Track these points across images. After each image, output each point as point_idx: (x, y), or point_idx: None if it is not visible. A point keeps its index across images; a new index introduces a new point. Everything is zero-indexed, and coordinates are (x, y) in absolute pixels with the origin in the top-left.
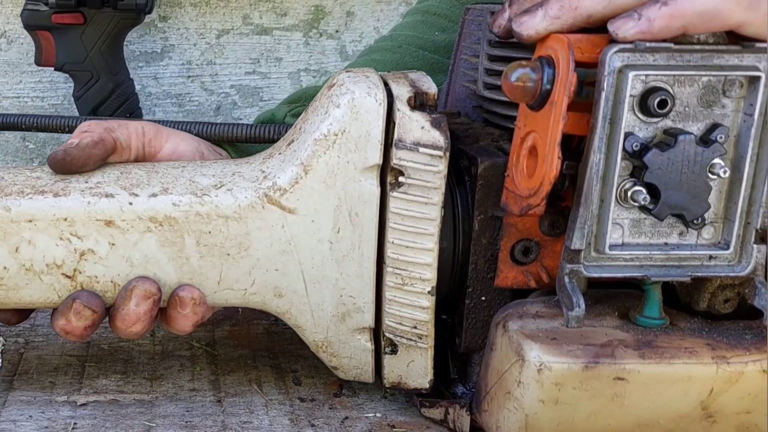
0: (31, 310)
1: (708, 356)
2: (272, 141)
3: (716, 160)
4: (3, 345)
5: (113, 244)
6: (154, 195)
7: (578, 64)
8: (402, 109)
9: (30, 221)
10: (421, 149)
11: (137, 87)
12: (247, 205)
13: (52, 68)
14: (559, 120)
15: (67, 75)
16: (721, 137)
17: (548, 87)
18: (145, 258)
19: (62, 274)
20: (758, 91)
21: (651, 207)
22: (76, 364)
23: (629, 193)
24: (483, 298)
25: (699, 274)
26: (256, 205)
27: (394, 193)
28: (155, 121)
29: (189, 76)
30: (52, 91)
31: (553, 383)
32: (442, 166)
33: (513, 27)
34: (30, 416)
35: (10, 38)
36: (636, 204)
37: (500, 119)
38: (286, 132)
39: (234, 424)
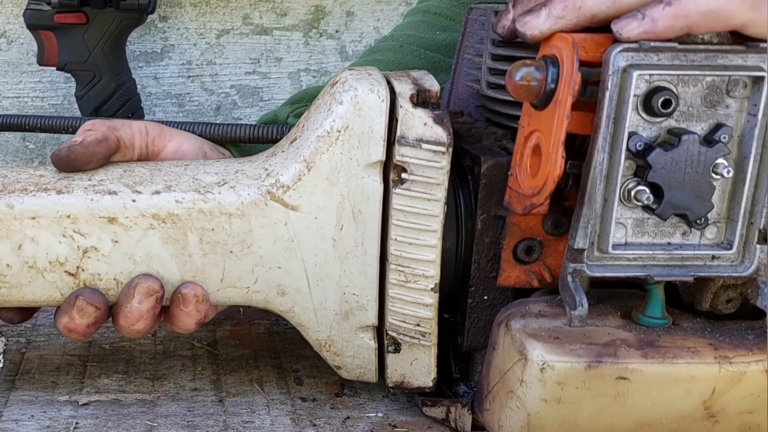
0: (34, 310)
1: (710, 356)
2: (275, 141)
3: (720, 160)
4: (5, 344)
5: (116, 242)
6: (157, 192)
7: (582, 64)
8: (404, 106)
9: (33, 218)
10: (424, 145)
11: (137, 87)
12: (250, 202)
13: (55, 68)
14: (563, 119)
15: (67, 75)
16: (724, 137)
17: (552, 86)
18: (148, 255)
19: (65, 271)
20: (762, 91)
21: (654, 207)
22: (77, 363)
23: (632, 193)
24: (485, 297)
25: (702, 274)
26: (259, 202)
27: (397, 190)
28: (158, 122)
29: (189, 76)
30: (52, 91)
31: (555, 382)
32: (445, 162)
33: (517, 27)
34: (32, 416)
35: (10, 38)
36: (639, 203)
37: (504, 118)
38: (288, 132)
39: (235, 423)
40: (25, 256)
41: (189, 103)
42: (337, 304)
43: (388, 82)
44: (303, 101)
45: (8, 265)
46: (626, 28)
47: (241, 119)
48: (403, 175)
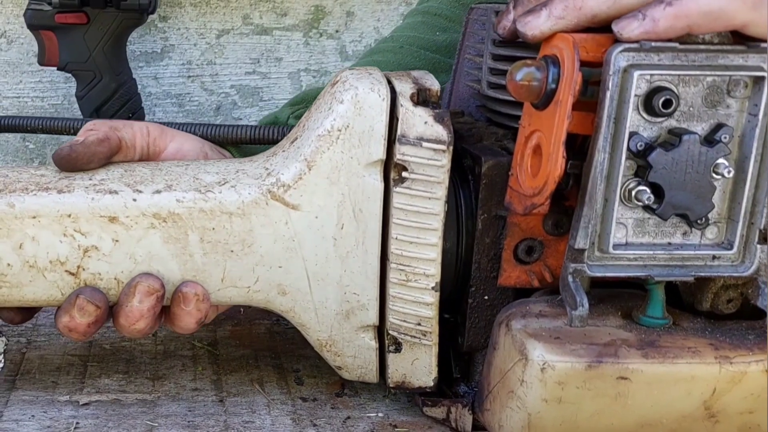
0: (34, 311)
1: (711, 356)
2: (275, 142)
3: (720, 160)
4: (5, 344)
5: (117, 241)
6: (158, 192)
7: (583, 64)
8: (405, 105)
9: (34, 217)
10: (425, 144)
11: (137, 87)
12: (251, 201)
13: (55, 68)
14: (564, 119)
15: (67, 75)
16: (725, 137)
17: (553, 86)
18: (149, 255)
19: (66, 271)
20: (763, 91)
21: (655, 207)
22: (78, 363)
23: (633, 193)
24: (486, 297)
25: (702, 274)
26: (260, 201)
27: (398, 189)
28: (160, 123)
29: (189, 76)
30: (52, 91)
31: (556, 382)
32: (446, 161)
33: (517, 27)
34: (32, 416)
35: (10, 38)
36: (640, 204)
37: (504, 118)
38: (289, 132)
39: (236, 423)
40: (26, 256)
41: (189, 103)
42: (338, 303)
43: (389, 82)
44: (303, 103)
45: (9, 265)
46: (627, 29)
47: (241, 119)
48: (404, 174)
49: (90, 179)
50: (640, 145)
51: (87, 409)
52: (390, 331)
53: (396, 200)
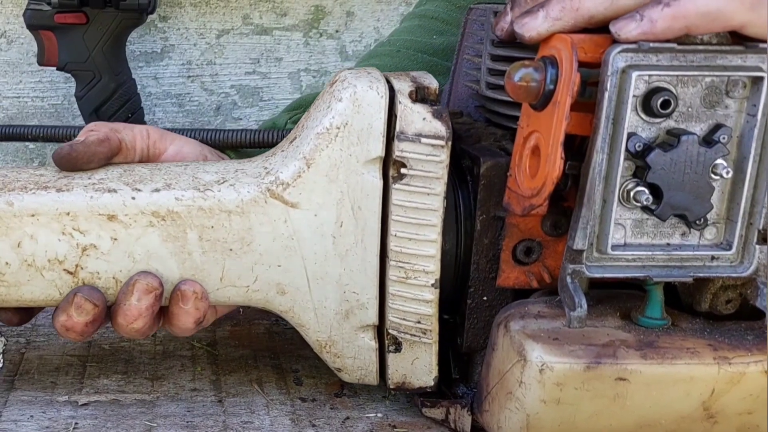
0: (33, 312)
1: (710, 357)
2: (274, 146)
3: (719, 161)
4: (4, 345)
5: (115, 239)
6: (157, 190)
7: (581, 64)
8: (403, 102)
9: (32, 215)
10: (423, 140)
11: (137, 87)
12: (250, 199)
13: (54, 68)
14: (562, 120)
15: (67, 75)
16: (723, 138)
17: (551, 87)
18: (148, 253)
19: (64, 269)
20: (761, 91)
21: (653, 207)
22: (77, 363)
23: (632, 194)
24: (485, 298)
25: (701, 275)
26: (259, 199)
27: (397, 186)
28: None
29: (189, 76)
30: (52, 91)
31: (554, 383)
32: (444, 156)
33: (515, 29)
34: (31, 416)
35: (10, 38)
36: (638, 204)
37: (503, 119)
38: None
39: (235, 424)
40: (24, 254)
41: (189, 103)
42: (337, 303)
43: (387, 81)
44: (301, 108)
45: (7, 263)
46: (625, 29)
47: (241, 119)
48: (403, 171)
49: (89, 178)
50: (639, 146)
51: (86, 410)
52: (390, 331)
53: (395, 197)
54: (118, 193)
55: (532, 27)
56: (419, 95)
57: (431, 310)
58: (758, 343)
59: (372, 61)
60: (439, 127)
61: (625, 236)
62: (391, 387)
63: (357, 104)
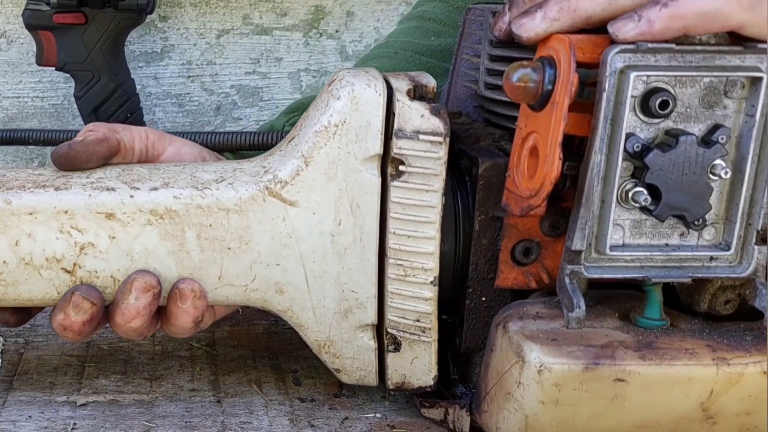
0: (30, 313)
1: (708, 357)
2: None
3: (717, 161)
4: (3, 345)
5: (113, 238)
6: (155, 189)
7: (579, 65)
8: (401, 99)
9: (30, 214)
10: (421, 136)
11: (137, 87)
12: (248, 197)
13: (53, 68)
14: (561, 120)
15: (67, 75)
16: (722, 138)
17: (549, 87)
18: (146, 252)
19: (62, 268)
20: (760, 92)
21: (652, 208)
22: (75, 364)
23: (630, 194)
24: (483, 299)
25: (700, 275)
26: (257, 197)
27: (395, 183)
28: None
29: (189, 76)
30: (52, 91)
31: (553, 384)
32: (443, 153)
33: (513, 29)
34: (29, 416)
35: (10, 38)
36: (637, 205)
37: (501, 119)
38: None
39: (234, 424)
40: (22, 253)
41: (189, 103)
42: (336, 302)
43: (386, 80)
44: (299, 111)
45: (5, 262)
46: (622, 30)
47: (241, 119)
48: (401, 168)
49: (87, 177)
50: (637, 147)
51: (84, 410)
52: (389, 330)
53: (393, 194)
54: (116, 192)
55: (530, 27)
56: (417, 93)
57: (430, 307)
58: (757, 343)
59: (370, 63)
60: (437, 124)
61: (623, 237)
62: (391, 387)
63: (355, 102)
